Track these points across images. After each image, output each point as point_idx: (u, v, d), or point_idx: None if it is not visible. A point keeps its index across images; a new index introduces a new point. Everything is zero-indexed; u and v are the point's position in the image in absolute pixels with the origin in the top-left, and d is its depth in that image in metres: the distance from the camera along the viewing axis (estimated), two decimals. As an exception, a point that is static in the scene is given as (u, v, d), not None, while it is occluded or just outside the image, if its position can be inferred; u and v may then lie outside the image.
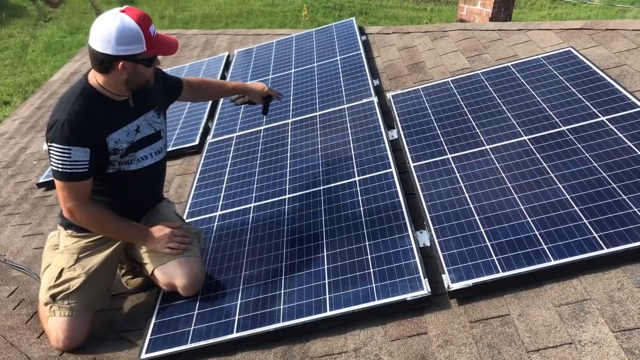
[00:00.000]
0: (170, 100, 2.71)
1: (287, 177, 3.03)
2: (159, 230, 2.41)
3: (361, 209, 2.61)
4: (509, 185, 2.44)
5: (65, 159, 2.12)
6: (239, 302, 2.31)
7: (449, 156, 2.77)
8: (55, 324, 2.31)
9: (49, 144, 2.14)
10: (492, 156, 2.66)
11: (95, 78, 2.23)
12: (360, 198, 2.68)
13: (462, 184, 2.55)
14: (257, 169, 3.20)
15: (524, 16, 14.46)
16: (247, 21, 14.23)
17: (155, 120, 2.47)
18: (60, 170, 2.15)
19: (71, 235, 2.44)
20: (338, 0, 15.97)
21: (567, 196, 2.27)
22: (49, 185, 3.87)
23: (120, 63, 2.11)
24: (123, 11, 2.09)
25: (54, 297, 2.31)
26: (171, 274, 2.37)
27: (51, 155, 2.15)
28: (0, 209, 3.82)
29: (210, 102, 4.25)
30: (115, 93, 2.27)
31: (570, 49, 3.34)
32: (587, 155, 2.46)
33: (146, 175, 2.46)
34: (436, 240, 2.29)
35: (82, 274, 2.34)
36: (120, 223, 2.37)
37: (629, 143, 2.44)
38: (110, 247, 2.44)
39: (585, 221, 2.12)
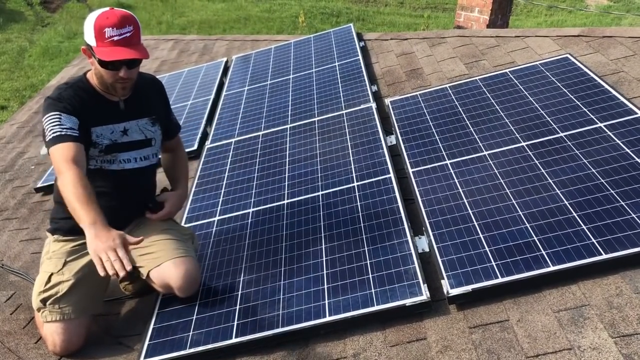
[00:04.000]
0: (164, 129, 2.65)
1: (286, 183, 3.04)
2: (108, 236, 1.99)
3: (360, 214, 2.61)
4: (508, 191, 2.45)
5: (56, 123, 2.18)
6: (237, 307, 2.31)
7: (448, 162, 2.78)
8: (50, 328, 2.30)
9: (42, 120, 2.23)
10: (491, 162, 2.67)
11: (93, 76, 2.35)
12: (359, 203, 2.69)
13: (460, 190, 2.55)
14: (255, 174, 3.21)
15: (520, 23, 14.53)
16: (245, 27, 14.24)
17: (149, 128, 2.51)
18: (51, 136, 2.17)
19: (58, 240, 2.45)
20: (335, 6, 16.01)
21: (566, 202, 2.28)
22: (46, 190, 3.86)
23: (83, 47, 2.29)
24: (112, 9, 2.23)
25: (44, 301, 2.31)
26: (166, 274, 2.35)
27: (44, 129, 2.20)
28: (-2, 213, 3.81)
29: (208, 107, 4.26)
30: (105, 91, 2.36)
31: (568, 55, 3.35)
32: (585, 161, 2.47)
33: (128, 178, 2.47)
34: (435, 246, 2.29)
35: (71, 278, 2.34)
36: (82, 198, 2.06)
37: (627, 149, 2.45)
38: None
39: (584, 227, 2.13)
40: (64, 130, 2.18)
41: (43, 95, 5.95)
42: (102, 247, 1.95)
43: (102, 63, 2.21)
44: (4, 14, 15.02)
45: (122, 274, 1.91)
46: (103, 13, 2.20)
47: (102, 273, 1.92)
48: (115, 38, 2.17)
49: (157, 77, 2.86)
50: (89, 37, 2.21)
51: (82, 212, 2.05)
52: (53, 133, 2.17)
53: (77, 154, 2.17)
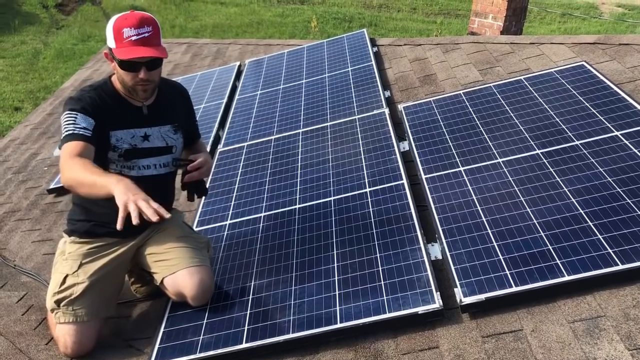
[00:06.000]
0: (185, 135, 2.64)
1: (298, 187, 3.03)
2: (139, 190, 2.02)
3: (372, 220, 2.60)
4: (522, 198, 2.42)
5: (71, 122, 2.20)
6: (248, 312, 2.30)
7: (461, 169, 2.76)
8: (63, 330, 2.30)
9: (60, 118, 2.29)
10: (505, 169, 2.64)
11: (116, 80, 2.36)
12: (371, 209, 2.67)
13: (474, 197, 2.53)
14: (267, 179, 3.20)
15: (533, 30, 14.47)
16: (257, 31, 14.29)
17: (171, 136, 2.50)
18: (64, 134, 2.20)
19: (74, 242, 2.46)
20: (348, 11, 16.03)
21: (581, 211, 2.25)
22: (59, 192, 3.88)
23: (104, 51, 2.32)
24: (132, 11, 2.26)
25: (58, 303, 2.31)
26: (180, 283, 2.36)
27: (62, 125, 2.23)
28: (11, 214, 3.84)
29: (221, 110, 4.26)
30: (129, 96, 2.37)
31: (584, 63, 3.32)
32: (601, 169, 2.44)
33: (147, 185, 2.43)
34: (448, 254, 2.27)
35: (86, 280, 2.34)
36: (97, 171, 2.09)
37: (644, 158, 2.42)
38: (113, 253, 2.44)
39: (600, 236, 2.10)
40: (77, 129, 2.20)
41: (57, 97, 5.99)
42: (134, 199, 1.95)
43: (121, 63, 2.22)
44: (20, 16, 15.18)
45: (155, 219, 1.92)
46: (122, 15, 2.23)
47: (135, 221, 1.91)
48: (133, 38, 2.18)
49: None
50: (109, 40, 2.23)
51: (104, 178, 2.05)
52: (66, 131, 2.20)
53: (85, 152, 2.17)
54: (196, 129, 2.77)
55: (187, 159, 2.55)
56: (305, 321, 2.16)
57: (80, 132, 2.19)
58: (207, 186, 2.64)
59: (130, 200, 1.94)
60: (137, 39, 2.19)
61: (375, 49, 4.69)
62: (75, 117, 2.21)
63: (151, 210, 1.93)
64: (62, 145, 2.20)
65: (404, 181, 2.79)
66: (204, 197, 3.22)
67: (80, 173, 2.08)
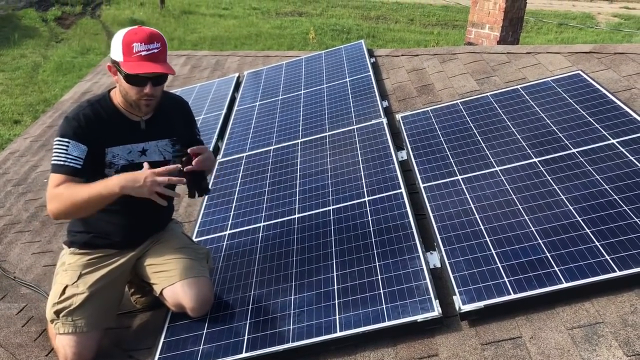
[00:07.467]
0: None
1: (297, 197, 3.04)
2: (140, 177, 2.14)
3: (371, 229, 2.61)
4: (520, 206, 2.44)
5: (63, 151, 2.23)
6: (248, 321, 2.30)
7: (459, 177, 2.77)
8: (63, 341, 2.30)
9: (54, 140, 2.27)
10: (502, 178, 2.66)
11: (116, 94, 2.36)
12: (370, 218, 2.68)
13: (472, 205, 2.55)
14: (266, 189, 3.22)
15: (530, 40, 14.55)
16: (256, 43, 14.37)
17: (168, 150, 2.50)
18: (55, 162, 2.23)
19: (74, 253, 2.47)
20: (346, 23, 16.13)
21: (579, 218, 2.26)
22: (59, 203, 3.88)
23: (108, 64, 2.31)
24: (140, 26, 2.27)
25: (57, 313, 2.31)
26: (180, 295, 2.36)
27: (53, 150, 2.25)
28: (11, 226, 3.84)
29: (220, 122, 4.28)
30: (128, 110, 2.36)
31: (580, 72, 3.35)
32: (597, 177, 2.45)
33: (145, 199, 2.46)
34: (447, 262, 2.28)
35: (85, 291, 2.34)
36: (86, 188, 2.18)
37: (640, 166, 2.44)
38: (113, 264, 2.45)
39: (597, 243, 2.12)
40: (68, 160, 2.22)
41: (56, 110, 6.02)
42: (150, 184, 2.11)
43: (128, 78, 2.21)
44: (19, 29, 15.26)
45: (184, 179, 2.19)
46: (132, 29, 2.23)
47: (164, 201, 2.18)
48: (143, 53, 2.19)
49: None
50: (116, 53, 2.22)
51: (97, 188, 2.17)
52: (57, 160, 2.23)
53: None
54: (198, 142, 2.70)
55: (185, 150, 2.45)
56: (305, 330, 2.17)
57: (71, 165, 2.22)
58: (209, 185, 2.61)
59: (152, 187, 2.12)
60: (147, 55, 2.19)
61: (373, 59, 4.72)
62: (67, 146, 2.23)
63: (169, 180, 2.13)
64: (51, 174, 2.24)
65: (402, 190, 2.81)
66: (206, 199, 3.24)
67: (69, 198, 2.17)
